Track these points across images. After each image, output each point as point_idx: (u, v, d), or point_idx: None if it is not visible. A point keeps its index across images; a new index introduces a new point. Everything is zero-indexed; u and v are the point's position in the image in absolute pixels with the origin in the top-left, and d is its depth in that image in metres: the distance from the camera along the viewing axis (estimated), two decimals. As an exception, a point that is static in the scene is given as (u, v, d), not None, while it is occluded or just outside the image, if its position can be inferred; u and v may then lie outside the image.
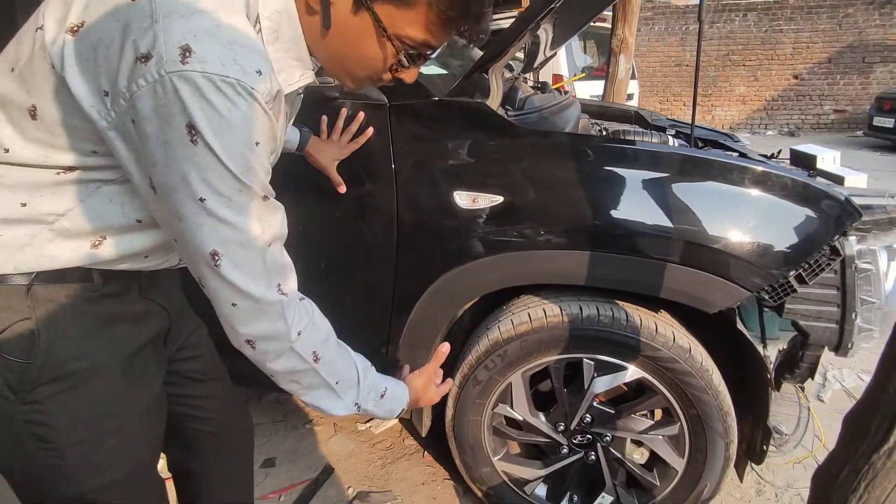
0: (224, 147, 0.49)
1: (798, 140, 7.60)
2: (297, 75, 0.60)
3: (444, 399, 1.23)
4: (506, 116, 1.11)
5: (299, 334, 0.63)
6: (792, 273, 0.95)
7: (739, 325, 1.03)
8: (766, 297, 0.96)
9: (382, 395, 0.77)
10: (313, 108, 1.01)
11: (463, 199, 1.05)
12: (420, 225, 1.09)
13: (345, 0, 0.55)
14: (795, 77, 8.49)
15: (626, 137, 1.59)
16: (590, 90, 4.42)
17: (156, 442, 0.72)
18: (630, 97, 4.27)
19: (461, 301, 1.15)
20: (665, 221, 0.98)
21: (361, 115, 1.07)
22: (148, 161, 0.50)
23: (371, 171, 1.10)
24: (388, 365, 1.19)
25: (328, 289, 1.17)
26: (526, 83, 1.93)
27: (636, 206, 1.00)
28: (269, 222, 0.57)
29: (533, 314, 1.10)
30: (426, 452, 1.55)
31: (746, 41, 8.57)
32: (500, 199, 1.03)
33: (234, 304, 0.58)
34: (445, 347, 0.88)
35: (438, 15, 0.56)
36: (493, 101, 1.12)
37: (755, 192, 1.00)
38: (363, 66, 0.61)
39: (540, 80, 2.18)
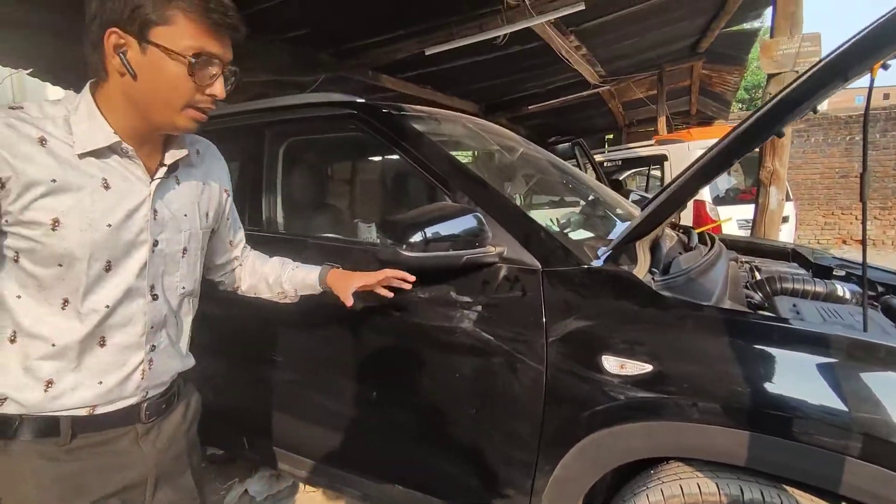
0: None
1: None
2: (98, 138, 0.76)
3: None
4: (653, 283, 1.18)
5: None
6: None
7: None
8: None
9: None
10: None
11: (611, 364, 1.10)
12: (568, 384, 1.16)
13: (134, 48, 0.72)
14: None
15: (785, 285, 1.52)
16: (738, 212, 4.23)
17: None
18: (786, 220, 3.98)
19: (607, 463, 1.15)
20: (839, 408, 0.92)
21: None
22: None
23: (522, 327, 1.22)
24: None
25: (475, 436, 1.27)
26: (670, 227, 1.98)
27: (802, 389, 0.96)
28: None
29: (686, 487, 1.06)
30: None
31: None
32: (648, 367, 1.07)
33: None
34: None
35: (190, 18, 0.72)
36: (640, 270, 1.20)
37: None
38: (178, 94, 0.75)
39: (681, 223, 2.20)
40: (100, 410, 0.80)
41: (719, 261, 1.53)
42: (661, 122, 7.34)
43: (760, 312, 1.26)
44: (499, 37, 3.81)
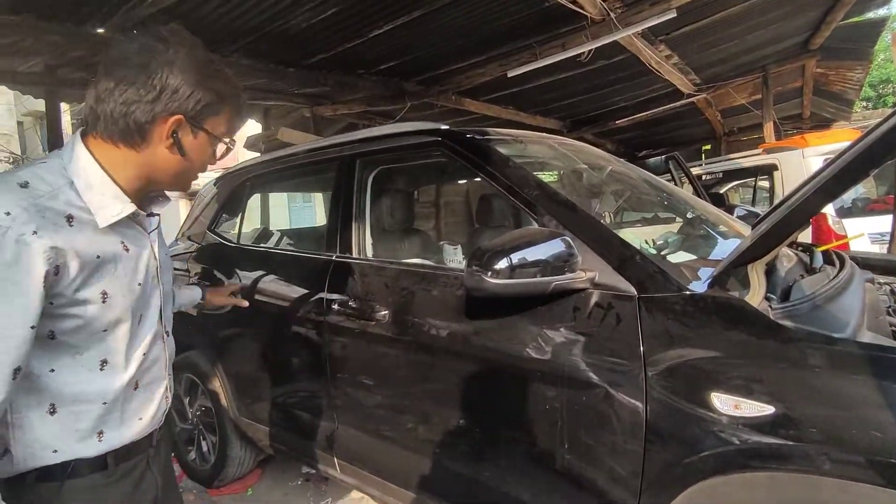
0: None
1: None
2: (117, 209, 0.78)
3: None
4: (770, 311, 1.04)
5: None
6: None
7: None
8: None
9: None
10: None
11: (723, 402, 0.98)
12: (672, 423, 1.05)
13: (184, 130, 0.80)
14: None
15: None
16: (869, 225, 3.70)
17: None
18: (933, 232, 3.40)
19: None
20: None
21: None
22: None
23: (618, 357, 1.14)
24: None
25: (568, 472, 1.19)
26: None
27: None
28: None
29: (824, 554, 0.90)
30: None
31: None
32: (769, 409, 0.94)
33: None
34: None
35: (233, 109, 0.84)
36: (754, 297, 1.07)
37: None
38: (204, 167, 0.86)
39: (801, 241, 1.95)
40: (136, 439, 0.87)
41: (852, 283, 1.32)
42: (768, 129, 6.68)
43: (912, 346, 1.06)
44: (583, 53, 3.73)
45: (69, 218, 0.73)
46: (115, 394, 0.81)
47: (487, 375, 1.36)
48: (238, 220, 2.47)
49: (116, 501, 0.84)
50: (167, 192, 0.92)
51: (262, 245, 2.48)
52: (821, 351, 0.94)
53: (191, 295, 1.30)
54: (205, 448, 2.43)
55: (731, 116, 8.38)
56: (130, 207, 0.80)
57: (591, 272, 1.22)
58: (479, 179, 1.72)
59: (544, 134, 2.23)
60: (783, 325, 1.00)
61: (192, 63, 0.77)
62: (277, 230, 2.95)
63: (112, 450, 0.83)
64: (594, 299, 1.20)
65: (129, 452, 0.86)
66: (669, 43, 4.46)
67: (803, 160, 3.98)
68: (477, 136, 1.66)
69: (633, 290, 1.16)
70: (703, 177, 4.71)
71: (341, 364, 1.73)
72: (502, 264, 1.14)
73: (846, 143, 1.02)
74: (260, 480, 2.52)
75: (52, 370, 0.76)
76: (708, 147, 10.71)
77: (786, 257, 1.52)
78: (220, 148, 0.86)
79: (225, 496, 2.40)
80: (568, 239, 1.21)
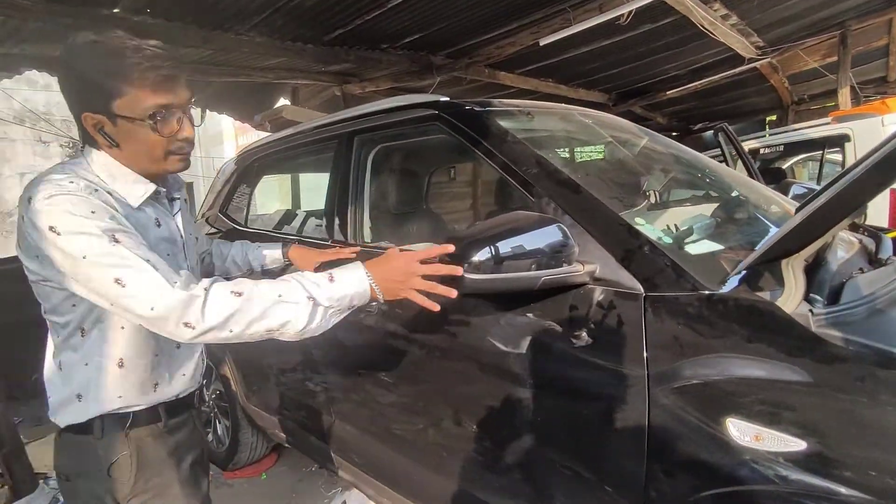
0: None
1: None
2: (142, 190, 0.89)
3: None
4: (811, 318, 0.83)
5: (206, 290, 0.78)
6: None
7: None
8: None
9: (331, 280, 0.85)
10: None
11: (741, 431, 0.79)
12: (679, 449, 0.87)
13: (107, 123, 0.83)
14: None
15: None
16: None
17: None
18: None
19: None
20: None
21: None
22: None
23: (619, 370, 0.96)
24: None
25: (557, 499, 1.04)
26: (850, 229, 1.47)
27: None
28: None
29: None
30: None
31: None
32: (800, 444, 0.74)
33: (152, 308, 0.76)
34: (450, 248, 0.93)
35: (134, 85, 0.81)
36: (789, 299, 0.85)
37: None
38: (157, 147, 0.86)
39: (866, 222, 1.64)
40: (181, 395, 1.00)
41: (929, 280, 1.06)
42: (844, 94, 5.93)
43: None
44: (622, 15, 3.38)
45: (108, 193, 0.85)
46: (160, 348, 0.93)
47: (478, 378, 1.21)
48: (247, 201, 2.41)
49: (176, 446, 0.97)
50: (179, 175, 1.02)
51: (264, 229, 2.42)
52: (878, 373, 0.73)
53: (272, 254, 1.40)
54: (220, 431, 2.44)
55: (801, 83, 7.56)
56: (152, 187, 0.91)
57: (590, 265, 1.03)
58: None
59: (566, 105, 2.00)
60: (826, 336, 0.78)
61: (76, 59, 0.82)
62: (304, 211, 2.87)
63: (165, 401, 0.95)
64: (594, 297, 1.02)
65: (176, 408, 0.98)
66: (725, 1, 3.99)
67: (883, 128, 3.47)
68: (476, 108, 1.48)
69: (639, 288, 0.97)
70: (761, 151, 4.24)
71: (333, 357, 1.64)
72: (482, 256, 0.98)
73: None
74: (275, 465, 2.51)
75: (123, 327, 0.88)
76: (773, 118, 9.80)
77: (843, 245, 1.26)
78: (170, 123, 0.85)
79: (239, 479, 2.41)
80: (563, 226, 1.03)
